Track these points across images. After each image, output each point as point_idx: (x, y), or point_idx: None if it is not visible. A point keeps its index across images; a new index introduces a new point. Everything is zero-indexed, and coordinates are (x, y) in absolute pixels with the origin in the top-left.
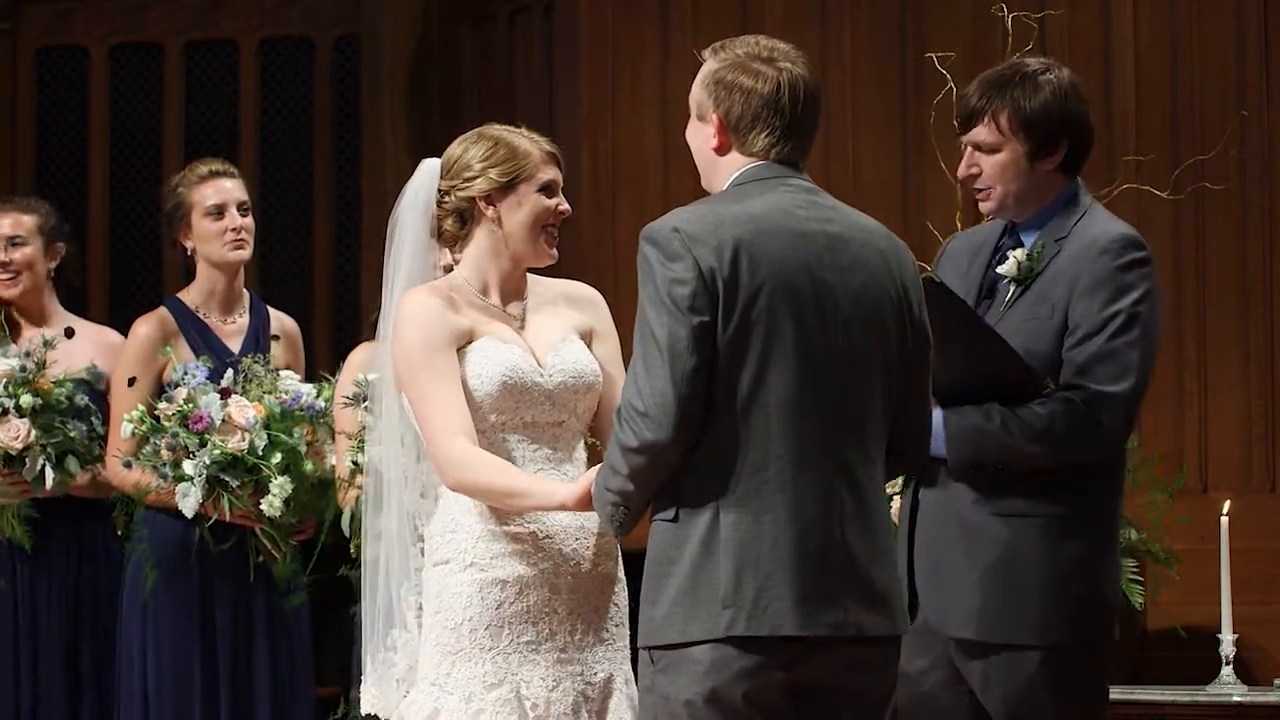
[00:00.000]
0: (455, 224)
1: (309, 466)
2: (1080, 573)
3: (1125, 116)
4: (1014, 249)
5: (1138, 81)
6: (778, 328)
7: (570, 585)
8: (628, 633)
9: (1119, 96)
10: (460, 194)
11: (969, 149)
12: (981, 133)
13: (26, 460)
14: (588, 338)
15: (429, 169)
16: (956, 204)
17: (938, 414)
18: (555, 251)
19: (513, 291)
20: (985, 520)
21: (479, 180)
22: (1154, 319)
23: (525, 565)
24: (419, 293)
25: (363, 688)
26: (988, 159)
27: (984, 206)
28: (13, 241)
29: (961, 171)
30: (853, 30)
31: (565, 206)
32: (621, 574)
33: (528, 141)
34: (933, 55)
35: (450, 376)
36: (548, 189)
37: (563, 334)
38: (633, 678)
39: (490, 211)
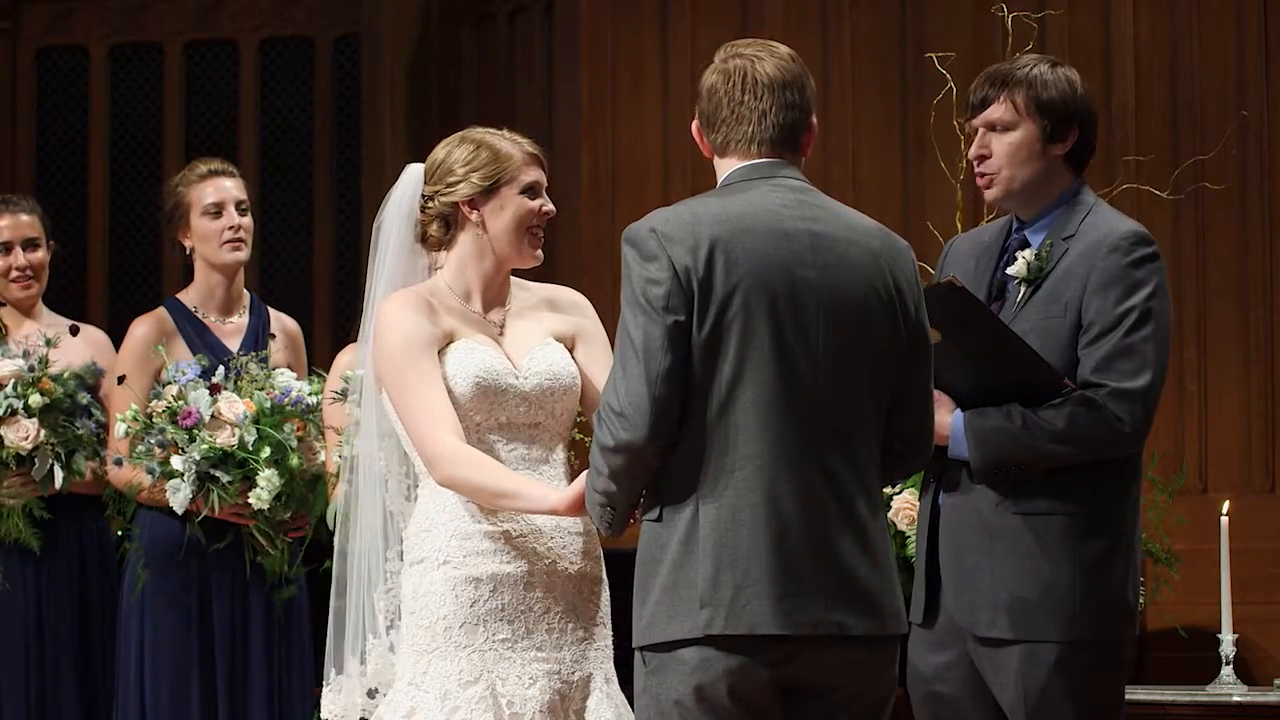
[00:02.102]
0: (440, 229)
1: (295, 461)
2: (1102, 570)
3: (1125, 116)
4: (1021, 249)
5: (1138, 81)
6: (753, 327)
7: (546, 584)
8: (610, 633)
9: (1119, 96)
10: (444, 199)
11: (980, 131)
12: (997, 110)
13: (36, 460)
14: (570, 342)
15: (413, 174)
16: (956, 204)
17: (958, 416)
18: (540, 253)
19: (494, 298)
20: (1008, 521)
21: (461, 185)
22: (1166, 313)
23: (499, 563)
24: (398, 297)
25: (324, 692)
26: (1000, 139)
27: (989, 194)
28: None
29: (972, 153)
30: (853, 30)
31: (549, 207)
32: (604, 574)
33: (509, 143)
34: (933, 55)
35: (434, 376)
36: (530, 190)
37: (541, 339)
38: (614, 677)
39: (474, 216)
